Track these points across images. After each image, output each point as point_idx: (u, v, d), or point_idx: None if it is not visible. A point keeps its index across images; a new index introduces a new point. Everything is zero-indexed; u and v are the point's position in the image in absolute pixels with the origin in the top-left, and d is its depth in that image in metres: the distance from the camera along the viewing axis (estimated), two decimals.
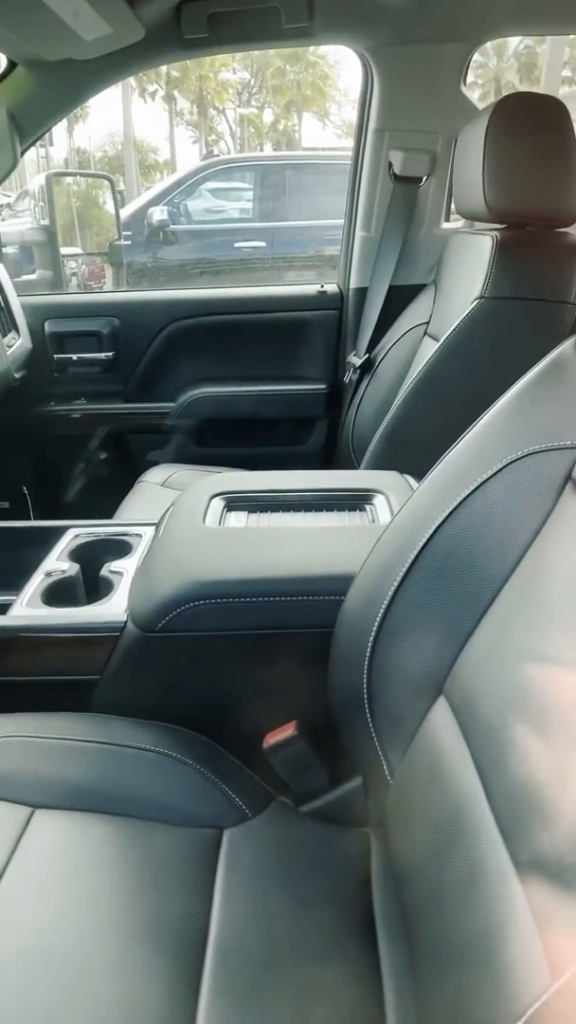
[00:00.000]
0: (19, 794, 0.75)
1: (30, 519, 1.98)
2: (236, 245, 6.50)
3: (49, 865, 0.70)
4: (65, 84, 1.59)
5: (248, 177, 6.95)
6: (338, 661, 0.75)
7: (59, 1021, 0.56)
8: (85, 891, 0.67)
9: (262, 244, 6.51)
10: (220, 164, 7.10)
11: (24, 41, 1.36)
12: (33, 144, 1.71)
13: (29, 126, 1.62)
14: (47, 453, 2.02)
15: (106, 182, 6.13)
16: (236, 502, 1.09)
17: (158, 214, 6.20)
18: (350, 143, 1.94)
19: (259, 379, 2.00)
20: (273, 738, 0.81)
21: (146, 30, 1.45)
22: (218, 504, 1.08)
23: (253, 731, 0.83)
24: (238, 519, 1.06)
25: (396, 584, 0.68)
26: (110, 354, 1.95)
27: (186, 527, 1.01)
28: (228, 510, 1.08)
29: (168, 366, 1.99)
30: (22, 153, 1.66)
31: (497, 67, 21.88)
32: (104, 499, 1.64)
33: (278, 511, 1.09)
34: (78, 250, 5.86)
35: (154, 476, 1.73)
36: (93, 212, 6.29)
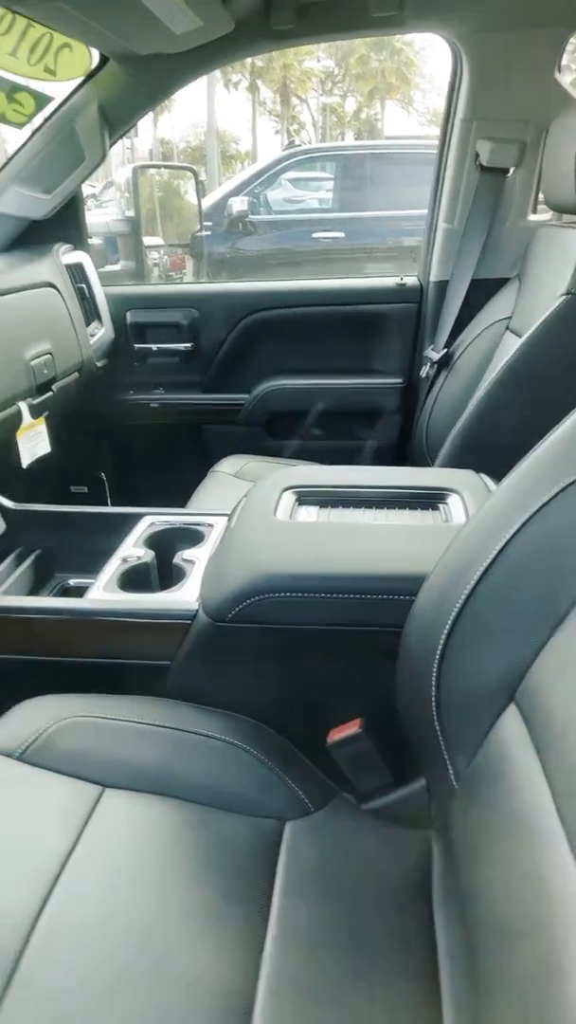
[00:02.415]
0: (91, 773, 0.78)
1: (107, 505, 2.04)
2: (314, 236, 6.47)
3: (116, 843, 0.72)
4: (154, 78, 1.61)
5: (329, 167, 6.91)
6: (406, 662, 0.74)
7: (117, 993, 0.58)
8: (150, 870, 0.69)
9: (341, 235, 6.47)
10: (301, 154, 7.07)
11: (116, 36, 1.38)
12: (121, 137, 1.75)
13: (118, 120, 1.66)
14: (125, 441, 2.07)
15: (188, 173, 6.22)
16: (307, 496, 1.09)
17: (238, 204, 6.23)
18: (433, 131, 1.90)
19: (334, 372, 1.99)
20: (338, 734, 0.81)
21: (235, 22, 1.45)
22: (289, 497, 1.08)
23: (318, 725, 0.83)
24: (309, 513, 1.07)
25: (470, 587, 0.67)
26: (188, 345, 1.98)
27: (258, 519, 1.02)
28: (299, 504, 1.08)
29: (244, 357, 2.00)
30: (110, 146, 1.70)
31: None
32: (178, 487, 1.67)
33: (349, 507, 1.08)
34: (160, 240, 5.97)
35: (227, 466, 1.75)
36: (175, 203, 6.39)
